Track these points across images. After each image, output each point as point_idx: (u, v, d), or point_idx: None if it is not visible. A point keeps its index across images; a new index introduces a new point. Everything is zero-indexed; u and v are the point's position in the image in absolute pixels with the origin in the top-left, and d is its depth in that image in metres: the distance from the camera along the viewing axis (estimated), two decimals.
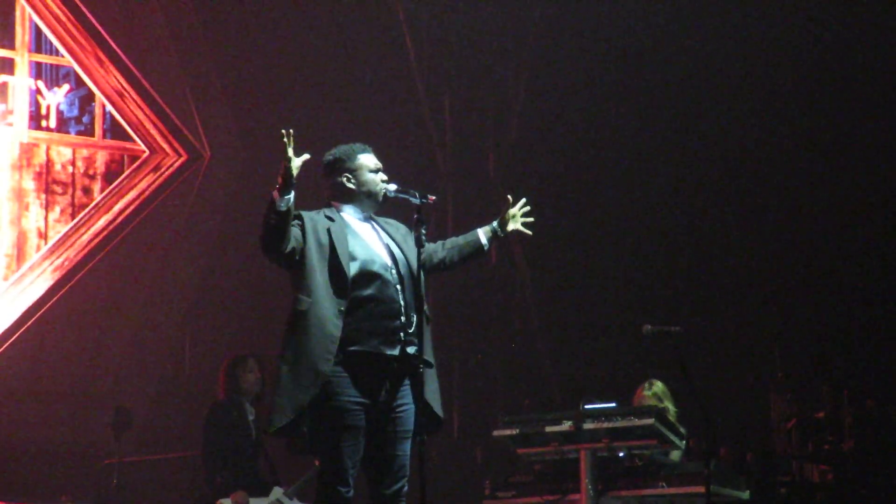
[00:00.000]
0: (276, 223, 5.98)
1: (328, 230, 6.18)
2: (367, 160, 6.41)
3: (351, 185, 6.37)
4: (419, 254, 6.23)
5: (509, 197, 6.66)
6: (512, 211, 6.66)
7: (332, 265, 6.13)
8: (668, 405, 8.81)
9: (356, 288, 6.14)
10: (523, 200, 6.70)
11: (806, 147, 12.13)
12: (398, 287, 6.22)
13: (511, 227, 6.66)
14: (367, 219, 6.40)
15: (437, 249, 6.54)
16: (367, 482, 6.20)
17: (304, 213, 6.19)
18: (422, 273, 6.25)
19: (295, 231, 6.09)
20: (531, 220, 6.69)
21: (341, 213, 6.33)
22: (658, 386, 9.07)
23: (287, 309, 6.19)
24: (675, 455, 8.48)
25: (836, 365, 11.42)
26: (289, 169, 5.96)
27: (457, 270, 6.74)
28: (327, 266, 6.12)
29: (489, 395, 12.56)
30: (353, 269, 6.15)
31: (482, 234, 6.61)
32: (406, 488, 6.20)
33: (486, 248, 6.61)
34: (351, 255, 6.17)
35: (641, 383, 9.18)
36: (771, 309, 12.03)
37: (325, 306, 6.05)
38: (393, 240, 6.37)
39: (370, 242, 6.30)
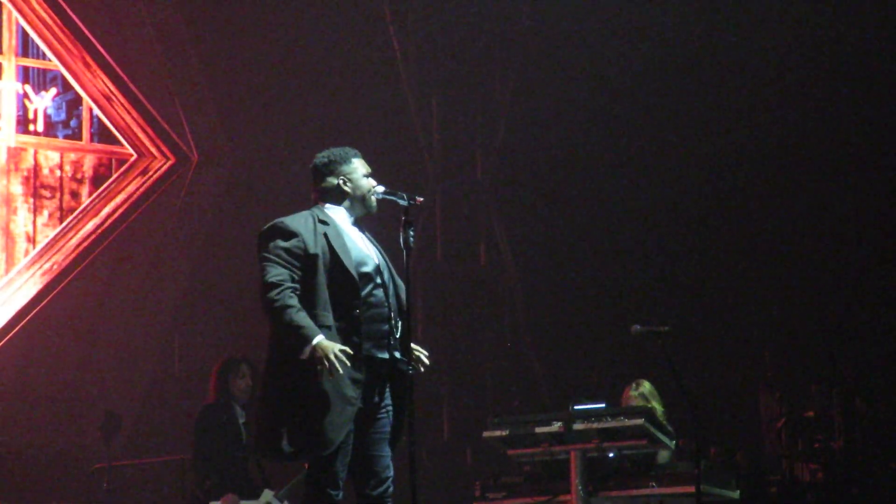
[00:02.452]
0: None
1: (325, 235, 6.16)
2: (361, 164, 6.39)
3: (346, 189, 6.33)
4: (408, 256, 6.23)
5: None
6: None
7: (334, 270, 6.13)
8: (656, 405, 8.80)
9: None
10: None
11: (793, 147, 12.15)
12: (385, 291, 6.22)
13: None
14: (355, 222, 6.38)
15: None
16: (353, 484, 6.20)
17: (301, 230, 6.12)
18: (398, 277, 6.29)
19: (293, 274, 6.04)
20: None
21: (332, 216, 6.30)
22: (645, 386, 9.06)
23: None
24: (664, 456, 8.47)
25: (825, 364, 11.44)
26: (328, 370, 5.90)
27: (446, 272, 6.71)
28: (328, 271, 6.12)
29: (479, 396, 12.57)
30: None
31: None
32: (391, 489, 6.21)
33: None
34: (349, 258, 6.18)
35: (629, 383, 9.18)
36: (760, 308, 12.05)
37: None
38: (374, 244, 6.37)
39: (361, 246, 6.28)
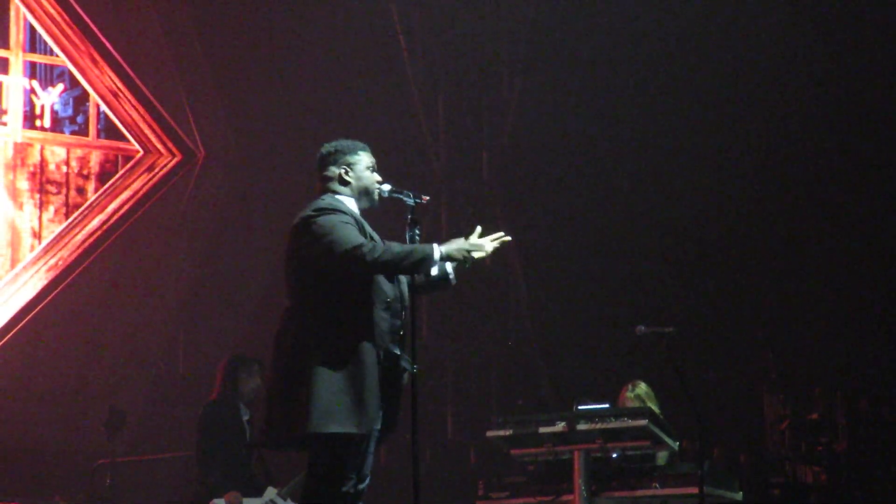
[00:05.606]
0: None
1: (356, 219, 6.17)
2: (367, 157, 6.38)
3: (349, 179, 6.31)
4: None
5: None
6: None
7: None
8: (652, 406, 8.78)
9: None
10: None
11: (799, 151, 12.15)
12: (399, 287, 6.21)
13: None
14: (360, 214, 6.37)
15: None
16: None
17: (349, 210, 6.17)
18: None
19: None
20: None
21: (345, 203, 6.30)
22: (641, 387, 9.04)
23: (279, 308, 6.17)
24: (663, 456, 8.46)
25: (829, 366, 11.44)
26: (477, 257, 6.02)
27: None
28: None
29: (483, 395, 12.57)
30: None
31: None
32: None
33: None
34: None
35: (625, 384, 9.17)
36: (764, 310, 12.04)
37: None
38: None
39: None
